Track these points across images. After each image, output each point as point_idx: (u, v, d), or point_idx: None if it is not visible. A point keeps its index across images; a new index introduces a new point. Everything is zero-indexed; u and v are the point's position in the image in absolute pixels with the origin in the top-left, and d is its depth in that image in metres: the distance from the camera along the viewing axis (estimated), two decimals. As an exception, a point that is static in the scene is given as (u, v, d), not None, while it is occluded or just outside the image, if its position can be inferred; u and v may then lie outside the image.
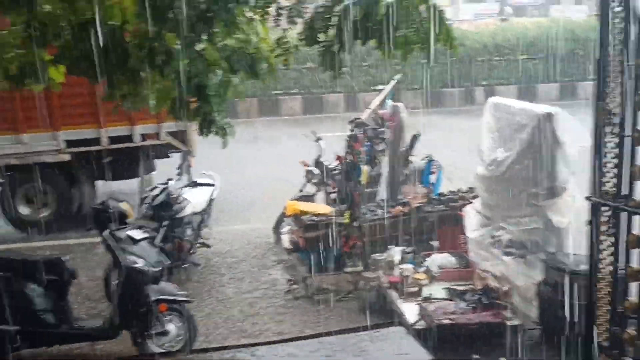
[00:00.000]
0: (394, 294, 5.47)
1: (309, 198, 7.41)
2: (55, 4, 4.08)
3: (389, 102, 7.56)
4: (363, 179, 6.40)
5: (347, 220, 6.15)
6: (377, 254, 6.01)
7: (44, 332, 4.67)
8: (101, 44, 3.93)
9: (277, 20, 4.31)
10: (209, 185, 6.89)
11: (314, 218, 6.38)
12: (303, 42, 4.25)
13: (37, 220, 8.24)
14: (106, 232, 4.75)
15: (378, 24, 3.91)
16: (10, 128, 7.91)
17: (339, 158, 7.11)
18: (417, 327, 4.89)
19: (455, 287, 5.42)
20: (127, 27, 3.99)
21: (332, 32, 4.14)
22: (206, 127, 4.26)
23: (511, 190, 5.40)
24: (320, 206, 6.99)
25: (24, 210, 8.24)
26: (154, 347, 4.83)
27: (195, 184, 6.82)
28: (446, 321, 4.86)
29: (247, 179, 9.89)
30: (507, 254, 5.38)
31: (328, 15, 4.08)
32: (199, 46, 3.89)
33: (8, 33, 4.29)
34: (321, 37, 4.21)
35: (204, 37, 3.85)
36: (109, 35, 3.96)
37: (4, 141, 7.91)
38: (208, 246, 7.04)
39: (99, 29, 4.00)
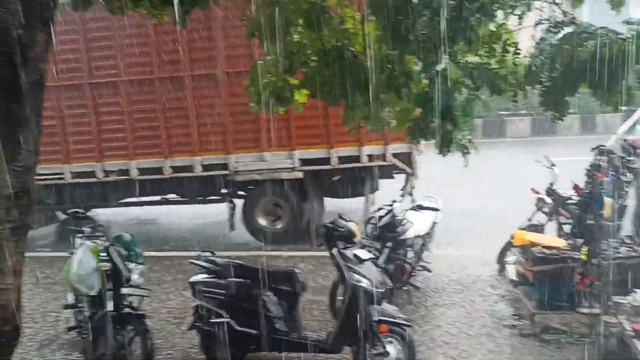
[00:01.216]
0: (640, 345, 4.78)
1: (538, 228, 6.90)
2: (303, 34, 4.41)
3: (640, 128, 6.74)
4: (605, 211, 5.74)
5: (584, 257, 5.57)
6: (619, 297, 5.33)
7: (277, 338, 4.99)
8: (343, 69, 4.13)
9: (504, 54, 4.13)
10: (433, 209, 6.80)
11: (546, 251, 5.90)
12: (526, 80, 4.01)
13: (271, 231, 8.98)
14: (335, 250, 4.93)
15: (607, 67, 3.52)
16: (255, 147, 8.76)
17: (576, 187, 6.50)
18: (672, 388, 4.19)
19: None
20: (368, 51, 4.14)
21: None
22: (446, 145, 4.20)
23: None
24: (552, 238, 6.45)
25: (261, 221, 9.03)
26: (374, 367, 4.86)
27: (419, 207, 6.78)
28: None
29: (468, 202, 9.60)
30: None
31: (551, 54, 3.78)
32: (439, 66, 3.86)
33: (264, 62, 4.75)
34: (543, 76, 3.93)
35: (445, 56, 3.82)
36: (351, 61, 4.14)
37: (250, 158, 8.79)
38: (429, 270, 6.94)
39: (341, 55, 4.21)
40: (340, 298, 5.15)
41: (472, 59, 3.92)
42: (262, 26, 4.28)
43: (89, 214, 5.53)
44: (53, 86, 8.82)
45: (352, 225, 5.04)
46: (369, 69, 3.99)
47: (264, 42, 4.47)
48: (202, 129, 8.86)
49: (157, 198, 9.72)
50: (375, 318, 4.78)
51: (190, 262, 5.26)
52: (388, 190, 8.46)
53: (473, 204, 9.58)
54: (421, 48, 3.52)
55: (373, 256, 5.29)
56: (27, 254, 8.45)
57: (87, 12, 8.35)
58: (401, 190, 8.97)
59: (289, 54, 4.43)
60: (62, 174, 9.26)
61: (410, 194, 8.48)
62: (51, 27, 3.13)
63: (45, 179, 9.17)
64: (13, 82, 2.89)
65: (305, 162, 8.79)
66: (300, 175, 8.77)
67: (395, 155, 8.62)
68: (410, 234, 6.41)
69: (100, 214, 10.88)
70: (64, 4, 4.54)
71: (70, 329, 5.31)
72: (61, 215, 10.23)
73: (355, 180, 8.87)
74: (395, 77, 3.79)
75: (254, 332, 4.94)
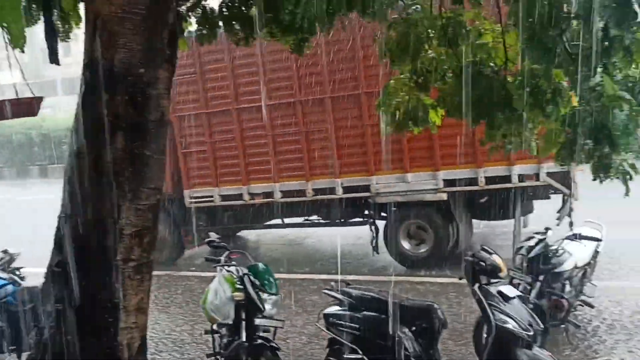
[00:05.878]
0: None
1: None
2: (438, 51, 4.10)
3: None
4: None
5: None
6: None
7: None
8: (482, 86, 3.77)
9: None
10: (594, 239, 5.96)
11: None
12: None
13: (415, 255, 8.61)
14: (476, 286, 4.47)
15: None
16: (397, 168, 8.46)
17: None
18: None
19: None
20: (508, 66, 3.73)
21: None
22: (603, 171, 3.63)
23: None
24: None
25: (404, 244, 8.69)
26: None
27: (577, 237, 5.96)
28: None
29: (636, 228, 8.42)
30: None
31: None
32: (593, 80, 3.32)
33: (395, 81, 4.50)
34: None
35: (599, 69, 3.27)
36: (490, 76, 3.76)
37: (391, 180, 8.52)
38: (591, 306, 6.10)
39: (479, 70, 3.86)
40: (484, 337, 4.65)
41: (633, 71, 3.32)
42: (395, 44, 4.05)
43: (225, 242, 5.58)
44: (204, 113, 9.28)
45: (497, 259, 4.53)
46: (511, 85, 3.55)
47: (396, 61, 4.24)
48: (342, 150, 8.77)
49: (300, 220, 9.78)
50: (524, 364, 4.23)
51: (324, 292, 5.08)
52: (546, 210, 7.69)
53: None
54: (570, 61, 3.01)
55: (521, 293, 4.76)
56: (179, 273, 8.81)
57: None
58: (558, 212, 8.17)
59: (423, 71, 4.15)
60: (212, 196, 9.67)
61: (570, 217, 7.65)
62: (174, 64, 3.13)
63: (198, 202, 9.67)
64: (135, 121, 2.91)
65: (450, 182, 8.32)
66: (444, 196, 8.31)
67: (550, 174, 7.84)
68: (567, 265, 5.67)
69: (250, 234, 11.28)
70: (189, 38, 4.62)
71: (208, 355, 5.38)
72: (214, 236, 10.69)
73: (505, 201, 8.20)
74: (541, 94, 3.31)
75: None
